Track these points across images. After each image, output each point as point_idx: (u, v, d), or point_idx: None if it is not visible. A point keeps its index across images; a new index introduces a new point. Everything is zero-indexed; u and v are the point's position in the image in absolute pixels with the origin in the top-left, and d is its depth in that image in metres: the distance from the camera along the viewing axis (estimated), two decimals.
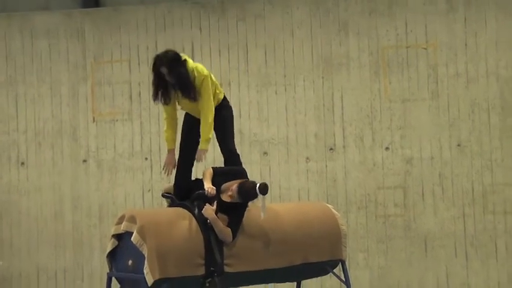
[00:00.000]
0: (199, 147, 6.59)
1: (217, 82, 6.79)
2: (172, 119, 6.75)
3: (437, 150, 9.89)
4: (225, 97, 6.86)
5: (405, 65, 10.03)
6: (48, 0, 11.00)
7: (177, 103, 6.73)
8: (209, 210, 6.12)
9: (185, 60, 6.53)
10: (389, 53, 10.08)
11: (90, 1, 10.83)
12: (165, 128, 6.79)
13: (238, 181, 6.25)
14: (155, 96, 6.67)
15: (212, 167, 6.52)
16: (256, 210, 6.44)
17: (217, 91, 6.73)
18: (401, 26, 10.09)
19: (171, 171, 6.77)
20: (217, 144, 6.82)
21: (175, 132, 6.78)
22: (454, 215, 9.78)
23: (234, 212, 6.21)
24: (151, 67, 6.54)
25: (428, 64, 9.99)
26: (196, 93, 6.48)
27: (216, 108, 6.62)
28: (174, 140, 6.77)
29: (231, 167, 6.61)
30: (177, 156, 6.77)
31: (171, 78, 6.47)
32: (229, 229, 6.12)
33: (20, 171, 10.57)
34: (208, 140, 6.56)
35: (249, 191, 6.19)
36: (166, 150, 6.82)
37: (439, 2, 10.02)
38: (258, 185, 6.16)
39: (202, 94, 6.52)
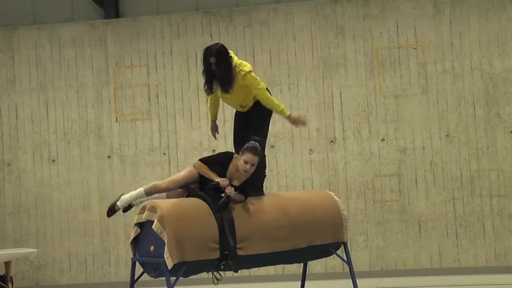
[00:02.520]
0: (286, 116, 6.46)
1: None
2: (215, 103, 6.63)
3: (428, 141, 9.81)
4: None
5: (397, 64, 9.95)
6: (73, 13, 10.96)
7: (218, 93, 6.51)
8: (231, 189, 6.05)
9: (231, 55, 6.38)
10: (383, 53, 9.99)
11: (111, 12, 10.76)
12: (208, 106, 6.68)
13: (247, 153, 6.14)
14: (209, 85, 6.39)
15: (200, 160, 6.28)
16: (265, 199, 6.38)
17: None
18: (393, 29, 10.00)
19: (215, 135, 6.90)
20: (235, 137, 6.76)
21: (216, 109, 6.66)
22: (445, 199, 9.71)
23: (247, 186, 6.19)
24: (202, 57, 6.32)
25: (418, 62, 9.90)
26: (230, 86, 6.28)
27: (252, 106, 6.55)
28: (216, 114, 6.70)
29: (217, 154, 6.46)
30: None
31: (217, 68, 6.26)
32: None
33: (51, 167, 10.54)
34: (284, 108, 6.47)
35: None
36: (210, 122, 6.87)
37: (427, 6, 9.93)
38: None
39: (252, 85, 6.37)
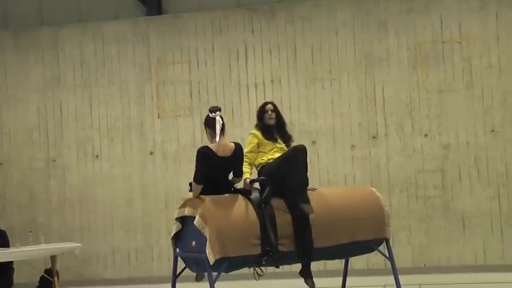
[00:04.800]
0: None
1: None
2: (254, 155, 6.62)
3: (473, 136, 9.66)
4: None
5: (441, 58, 9.82)
6: (117, 10, 11.07)
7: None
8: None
9: None
10: (426, 48, 9.87)
11: (154, 9, 10.85)
12: (246, 166, 6.49)
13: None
14: (271, 135, 6.64)
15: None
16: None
17: None
18: (437, 23, 9.87)
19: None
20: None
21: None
22: (489, 195, 9.55)
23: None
24: (261, 107, 6.73)
25: (463, 57, 9.76)
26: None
27: None
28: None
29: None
30: None
31: (275, 112, 6.66)
32: None
33: (95, 163, 10.67)
34: None
35: (207, 120, 6.21)
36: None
37: (471, 0, 9.77)
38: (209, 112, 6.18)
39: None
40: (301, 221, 6.10)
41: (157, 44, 10.61)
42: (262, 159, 6.53)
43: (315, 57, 10.18)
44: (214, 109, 6.18)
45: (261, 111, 6.75)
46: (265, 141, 6.58)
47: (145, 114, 10.56)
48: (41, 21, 11.16)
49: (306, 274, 6.26)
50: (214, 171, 6.06)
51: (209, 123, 6.19)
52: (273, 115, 6.70)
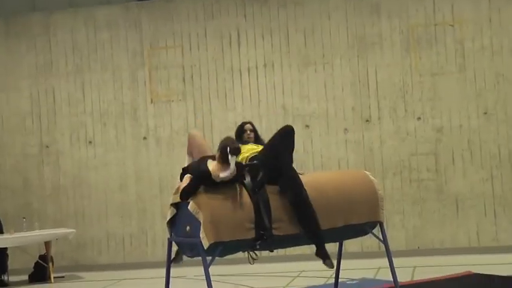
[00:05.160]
0: None
1: None
2: None
3: (466, 119, 9.67)
4: None
5: (434, 41, 9.81)
6: None
7: None
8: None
9: None
10: (419, 31, 9.85)
11: None
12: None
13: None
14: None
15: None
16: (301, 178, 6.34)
17: None
18: (430, 6, 9.85)
19: None
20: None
21: None
22: (483, 178, 9.58)
23: None
24: (240, 126, 6.72)
25: (455, 40, 9.75)
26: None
27: None
28: None
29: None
30: None
31: (253, 132, 6.71)
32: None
33: (88, 149, 10.64)
34: None
35: (223, 148, 5.99)
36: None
37: None
38: (229, 149, 5.94)
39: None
40: (300, 204, 6.08)
41: (149, 29, 10.55)
42: (244, 154, 6.49)
43: (307, 42, 10.15)
44: (235, 151, 5.95)
45: (240, 131, 6.75)
46: (243, 146, 6.57)
47: (139, 100, 10.53)
48: (32, 7, 11.07)
49: (323, 255, 6.22)
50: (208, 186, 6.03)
51: (222, 152, 6.01)
52: (252, 135, 6.69)
